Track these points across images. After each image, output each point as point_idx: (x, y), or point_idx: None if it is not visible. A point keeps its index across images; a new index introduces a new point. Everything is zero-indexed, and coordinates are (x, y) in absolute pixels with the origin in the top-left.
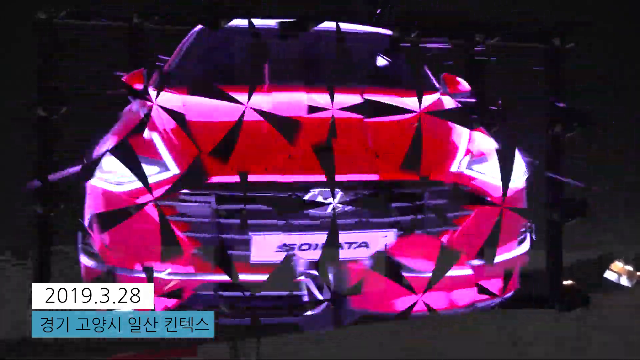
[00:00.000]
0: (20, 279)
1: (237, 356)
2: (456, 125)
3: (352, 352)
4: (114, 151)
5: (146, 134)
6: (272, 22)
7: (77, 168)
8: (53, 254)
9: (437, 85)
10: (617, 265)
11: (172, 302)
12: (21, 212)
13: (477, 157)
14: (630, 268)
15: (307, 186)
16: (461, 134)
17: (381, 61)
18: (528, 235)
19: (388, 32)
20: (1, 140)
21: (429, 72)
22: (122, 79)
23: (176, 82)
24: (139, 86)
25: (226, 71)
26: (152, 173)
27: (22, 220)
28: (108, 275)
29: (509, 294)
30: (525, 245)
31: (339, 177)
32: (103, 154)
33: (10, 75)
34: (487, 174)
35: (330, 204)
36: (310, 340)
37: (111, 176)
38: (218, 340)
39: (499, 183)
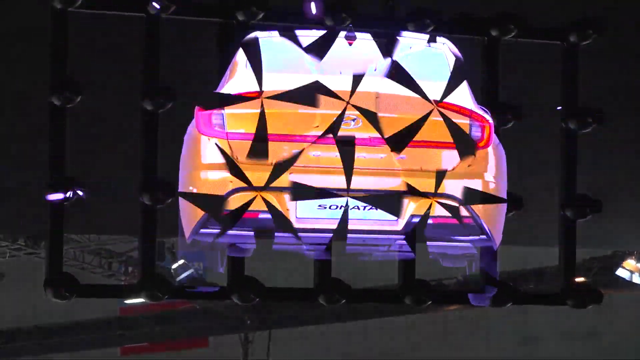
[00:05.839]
0: (32, 266)
1: (248, 346)
2: None
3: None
4: None
5: None
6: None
7: None
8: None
9: None
10: (630, 263)
11: None
12: (36, 200)
13: None
14: None
15: None
16: None
17: None
18: None
19: None
20: (14, 130)
21: None
22: None
23: None
24: None
25: None
26: None
27: (36, 209)
28: None
29: None
30: None
31: None
32: None
33: (26, 65)
34: None
35: None
36: (316, 334)
37: None
38: (230, 332)
39: None
